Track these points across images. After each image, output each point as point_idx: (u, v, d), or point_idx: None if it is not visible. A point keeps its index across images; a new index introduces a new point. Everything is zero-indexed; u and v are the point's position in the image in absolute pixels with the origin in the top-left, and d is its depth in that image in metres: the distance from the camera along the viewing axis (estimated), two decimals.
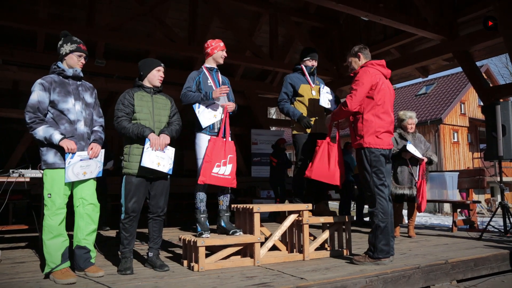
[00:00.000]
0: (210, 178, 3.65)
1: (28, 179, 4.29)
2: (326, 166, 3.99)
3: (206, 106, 3.79)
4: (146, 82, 3.54)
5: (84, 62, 3.34)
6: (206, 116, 3.78)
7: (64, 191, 3.13)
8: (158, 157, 3.31)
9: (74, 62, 3.27)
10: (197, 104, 3.77)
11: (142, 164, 3.25)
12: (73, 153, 3.10)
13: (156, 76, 3.53)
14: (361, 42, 9.45)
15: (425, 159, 5.38)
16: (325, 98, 4.26)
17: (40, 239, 3.36)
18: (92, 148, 3.23)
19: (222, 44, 3.95)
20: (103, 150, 3.33)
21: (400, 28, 7.27)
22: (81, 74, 3.33)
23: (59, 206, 3.09)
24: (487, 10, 6.99)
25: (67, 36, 3.31)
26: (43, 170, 3.16)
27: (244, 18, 9.85)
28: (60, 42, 3.29)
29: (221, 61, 3.97)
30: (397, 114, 5.71)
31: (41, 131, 3.06)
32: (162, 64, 3.60)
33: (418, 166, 5.37)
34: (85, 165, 3.17)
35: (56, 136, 3.05)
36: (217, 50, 3.90)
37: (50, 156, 3.11)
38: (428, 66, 9.49)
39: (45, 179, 3.13)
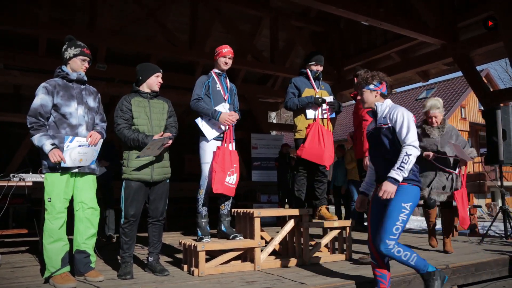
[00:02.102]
0: (224, 187, 3.63)
1: (29, 183, 4.28)
2: (316, 146, 4.07)
3: (209, 119, 3.77)
4: (144, 87, 3.54)
5: (87, 66, 3.36)
6: (210, 128, 3.77)
7: (64, 195, 3.13)
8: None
9: (77, 66, 3.29)
10: (199, 119, 3.77)
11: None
12: (72, 137, 3.10)
13: (155, 81, 3.54)
14: (362, 46, 9.51)
15: (469, 159, 4.32)
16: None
17: (40, 243, 3.36)
18: (91, 136, 3.21)
19: (225, 50, 3.83)
20: (101, 140, 3.32)
21: (400, 33, 7.28)
22: (85, 78, 3.34)
23: (59, 210, 3.10)
24: (487, 14, 7.01)
25: (71, 41, 3.33)
26: (43, 174, 3.16)
27: (245, 22, 9.85)
28: (64, 47, 3.31)
29: (224, 67, 3.86)
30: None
31: (36, 140, 3.07)
32: (161, 70, 3.62)
33: (457, 169, 4.41)
34: (83, 151, 3.16)
35: (47, 147, 3.03)
36: (218, 56, 3.85)
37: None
38: (428, 70, 9.49)
39: (46, 183, 3.13)
